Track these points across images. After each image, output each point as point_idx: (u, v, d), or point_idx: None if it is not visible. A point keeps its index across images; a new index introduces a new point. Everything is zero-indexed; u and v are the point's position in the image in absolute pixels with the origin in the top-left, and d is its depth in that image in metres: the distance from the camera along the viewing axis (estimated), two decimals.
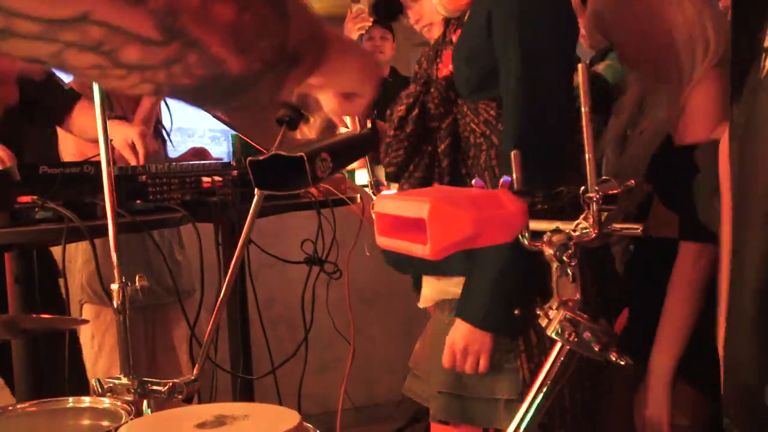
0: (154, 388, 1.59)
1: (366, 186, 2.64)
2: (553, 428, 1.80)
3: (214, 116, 3.05)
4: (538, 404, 1.04)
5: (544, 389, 1.04)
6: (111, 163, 1.69)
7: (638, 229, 1.04)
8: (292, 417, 1.26)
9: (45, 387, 1.98)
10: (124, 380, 1.60)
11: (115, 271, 1.64)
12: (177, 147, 3.54)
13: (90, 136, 2.63)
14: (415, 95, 1.90)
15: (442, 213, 0.94)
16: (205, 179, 2.34)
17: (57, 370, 1.99)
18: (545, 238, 1.04)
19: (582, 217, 1.05)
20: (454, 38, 1.92)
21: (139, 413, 1.53)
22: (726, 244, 1.34)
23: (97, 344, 2.89)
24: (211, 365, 2.30)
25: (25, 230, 1.98)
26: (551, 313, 1.03)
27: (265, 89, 0.74)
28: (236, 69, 0.68)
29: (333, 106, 1.04)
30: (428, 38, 2.09)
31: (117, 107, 2.92)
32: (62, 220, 1.94)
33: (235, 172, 2.41)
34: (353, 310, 2.72)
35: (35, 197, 1.97)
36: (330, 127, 1.72)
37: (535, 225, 1.06)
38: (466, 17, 1.91)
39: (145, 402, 1.56)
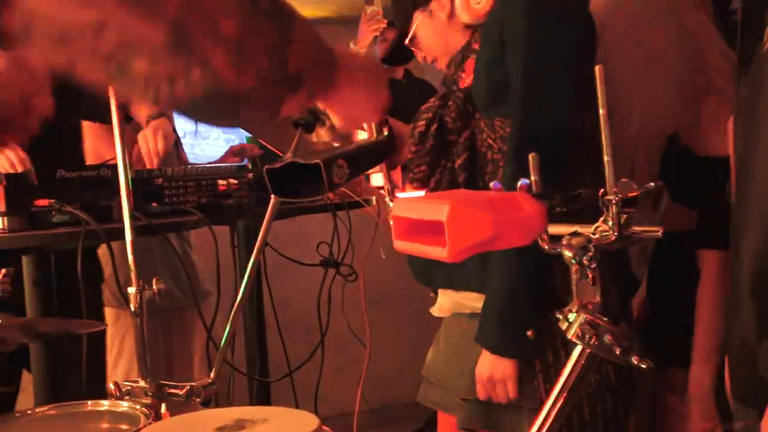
0: (172, 391, 1.59)
1: (381, 188, 2.65)
2: None
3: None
4: (558, 410, 1.03)
5: (564, 394, 1.03)
6: (128, 167, 1.69)
7: (658, 231, 1.03)
8: (311, 421, 1.26)
9: (65, 390, 1.99)
10: (142, 383, 1.60)
11: (132, 275, 1.64)
12: (191, 150, 3.55)
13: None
14: (433, 109, 1.89)
15: (461, 215, 0.94)
16: (221, 182, 2.34)
17: (77, 373, 2.00)
18: (564, 241, 1.04)
19: (601, 219, 1.04)
20: (477, 47, 1.91)
21: (157, 417, 1.53)
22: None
23: (117, 347, 2.90)
24: (227, 368, 2.30)
25: (42, 234, 1.99)
26: (571, 317, 1.02)
27: (261, 107, 0.75)
28: (234, 85, 0.69)
29: (338, 123, 1.06)
30: (440, 69, 2.12)
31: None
32: (79, 224, 1.95)
33: (250, 175, 2.41)
34: (369, 312, 2.72)
35: (52, 201, 1.98)
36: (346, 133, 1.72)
37: (553, 228, 1.05)
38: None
39: (163, 405, 1.57)
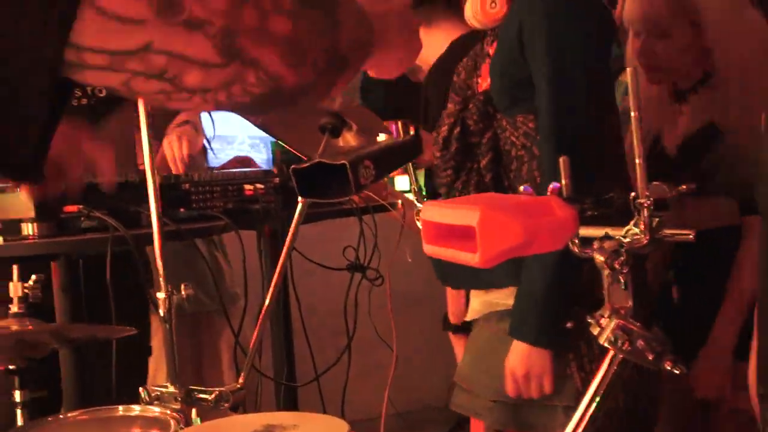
0: (201, 396, 1.60)
1: (407, 192, 2.64)
2: None
3: (254, 123, 3.06)
4: (591, 414, 1.02)
5: (597, 399, 1.02)
6: (155, 172, 1.70)
7: (690, 234, 1.02)
8: (341, 426, 1.25)
9: (95, 395, 2.00)
10: (171, 389, 1.61)
11: (161, 280, 1.65)
12: (217, 155, 3.55)
13: None
14: (455, 114, 1.90)
15: (492, 220, 0.93)
16: (248, 187, 2.35)
17: (113, 377, 2.01)
18: (596, 245, 1.03)
19: (632, 223, 1.03)
20: (491, 51, 1.92)
21: (188, 422, 1.54)
22: None
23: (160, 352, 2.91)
24: (254, 373, 2.30)
25: (70, 240, 2.00)
26: (603, 322, 1.02)
27: (316, 96, 0.75)
28: (292, 82, 0.69)
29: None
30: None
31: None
32: (107, 229, 1.96)
33: (277, 180, 2.42)
34: (395, 315, 2.71)
35: (81, 207, 1.99)
36: (371, 133, 1.72)
37: (583, 231, 1.05)
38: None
39: (194, 410, 1.57)
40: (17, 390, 1.69)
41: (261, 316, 1.74)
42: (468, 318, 2.03)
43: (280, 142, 3.02)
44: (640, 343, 1.00)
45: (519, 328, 1.77)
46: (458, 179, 1.89)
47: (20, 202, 1.96)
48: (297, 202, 1.77)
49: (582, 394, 1.69)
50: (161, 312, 1.62)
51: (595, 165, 1.67)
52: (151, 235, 1.68)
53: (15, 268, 1.79)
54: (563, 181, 1.05)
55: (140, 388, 1.63)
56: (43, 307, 1.96)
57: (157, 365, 2.84)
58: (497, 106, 1.85)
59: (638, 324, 1.01)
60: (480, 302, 1.95)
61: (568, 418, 1.76)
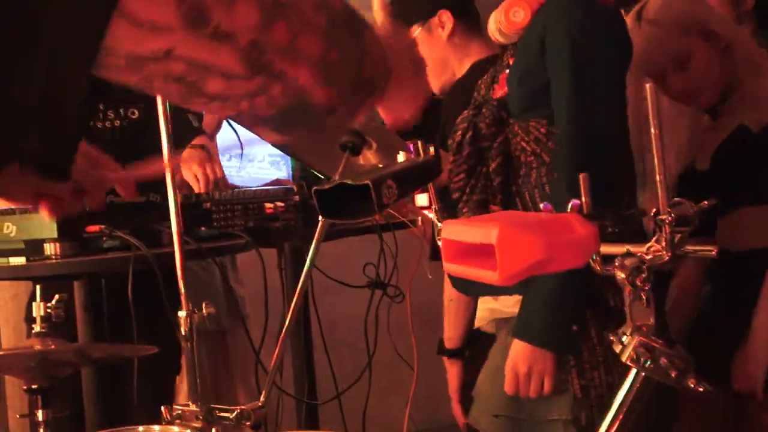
0: (222, 415, 1.60)
1: (425, 208, 2.64)
2: None
3: (272, 143, 3.07)
4: None
5: (620, 418, 1.01)
6: (177, 191, 1.71)
7: (712, 250, 1.02)
8: None
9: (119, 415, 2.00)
10: (192, 407, 1.61)
11: (182, 298, 1.65)
12: (237, 173, 3.57)
13: None
14: (468, 119, 1.91)
15: (511, 238, 0.93)
16: (268, 205, 2.36)
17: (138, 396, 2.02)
18: (617, 262, 1.02)
19: (654, 239, 1.03)
20: (511, 61, 1.93)
21: None
22: None
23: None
24: (275, 391, 2.30)
25: (93, 259, 2.01)
26: (625, 339, 1.01)
27: (340, 119, 0.75)
28: (318, 99, 0.69)
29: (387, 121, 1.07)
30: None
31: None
32: (129, 249, 1.97)
33: (297, 197, 2.42)
34: (415, 333, 2.70)
35: (103, 226, 2.01)
36: (393, 153, 1.73)
37: (603, 248, 1.04)
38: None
39: (213, 429, 1.57)
40: (40, 409, 1.70)
41: (282, 334, 1.74)
42: (476, 325, 2.04)
43: (299, 162, 3.04)
44: (663, 360, 0.99)
45: (524, 329, 1.78)
46: (469, 183, 1.90)
47: (43, 222, 1.98)
48: (318, 220, 1.78)
49: (581, 402, 1.70)
50: (182, 330, 1.63)
51: (612, 178, 1.67)
52: (172, 253, 1.69)
53: (38, 287, 1.80)
54: (583, 198, 1.05)
55: (162, 407, 1.63)
56: (66, 327, 1.98)
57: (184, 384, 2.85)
58: (511, 111, 1.86)
59: (661, 341, 1.00)
60: (485, 309, 1.96)
61: None
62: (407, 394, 2.64)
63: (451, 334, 2.42)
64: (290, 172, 3.55)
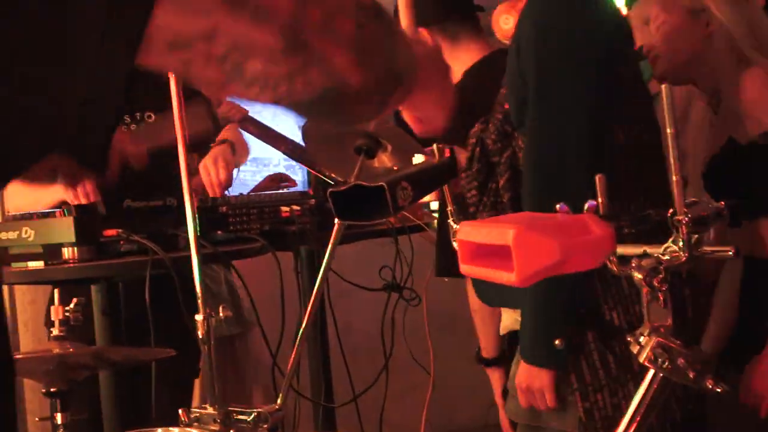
0: (240, 417, 1.60)
1: (435, 212, 2.64)
2: None
3: (284, 152, 3.07)
4: None
5: (637, 419, 1.01)
6: (193, 195, 1.72)
7: (730, 251, 1.01)
8: None
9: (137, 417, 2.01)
10: (210, 410, 1.62)
11: (199, 302, 1.66)
12: (253, 177, 3.58)
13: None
14: (477, 134, 1.91)
15: (527, 239, 0.93)
16: (284, 208, 2.36)
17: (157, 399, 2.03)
18: (634, 263, 1.02)
19: (671, 240, 1.02)
20: None
21: None
22: None
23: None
24: (291, 393, 2.30)
25: (110, 263, 2.02)
26: (642, 340, 1.01)
27: (370, 110, 0.76)
28: (355, 81, 0.70)
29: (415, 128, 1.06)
30: None
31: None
32: (146, 253, 1.98)
33: (313, 201, 2.43)
34: (432, 335, 2.70)
35: (120, 230, 2.02)
36: (407, 156, 1.73)
37: (620, 249, 1.04)
38: None
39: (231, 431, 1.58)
40: (59, 412, 1.71)
41: (299, 337, 1.75)
42: (501, 332, 2.04)
43: (310, 169, 3.04)
44: (680, 361, 0.99)
45: (520, 346, 1.80)
46: (482, 201, 1.89)
47: (61, 227, 1.99)
48: (333, 223, 1.78)
49: (585, 424, 1.70)
50: (199, 334, 1.63)
51: (581, 177, 1.63)
52: (188, 257, 1.69)
53: (56, 291, 1.82)
54: (599, 199, 1.05)
55: (180, 410, 1.64)
56: (84, 330, 1.99)
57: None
58: (513, 124, 1.85)
59: (678, 342, 1.00)
60: (508, 317, 1.96)
61: None
62: (424, 397, 2.64)
63: (484, 344, 2.42)
64: (306, 176, 3.55)
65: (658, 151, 1.80)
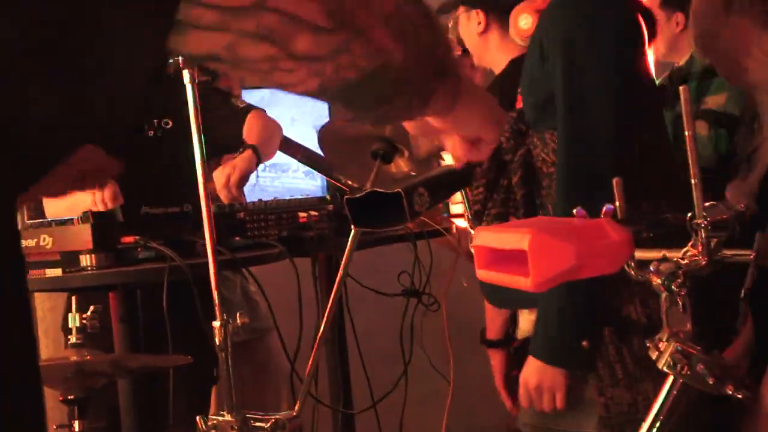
0: (257, 424, 1.60)
1: (459, 216, 2.63)
2: None
3: (299, 160, 3.07)
4: None
5: (657, 425, 1.00)
6: (210, 201, 1.72)
7: (750, 255, 1.00)
8: None
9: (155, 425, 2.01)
10: (228, 417, 1.61)
11: (216, 309, 1.65)
12: (272, 183, 3.58)
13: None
14: None
15: (543, 244, 0.92)
16: (302, 214, 2.36)
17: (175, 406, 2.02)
18: (652, 267, 1.01)
19: (690, 244, 1.01)
20: None
21: None
22: None
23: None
24: (309, 400, 2.30)
25: (128, 270, 2.02)
26: (662, 346, 0.99)
27: (416, 92, 0.75)
28: (398, 59, 0.69)
29: (459, 153, 0.99)
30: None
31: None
32: (164, 259, 1.98)
33: (330, 207, 2.43)
34: (451, 341, 2.69)
35: (137, 237, 2.02)
36: (424, 160, 1.72)
37: (639, 253, 1.03)
38: None
39: None
40: (76, 420, 1.71)
41: (316, 343, 1.74)
42: (519, 336, 2.02)
43: (326, 176, 3.04)
44: (699, 367, 0.97)
45: (534, 347, 1.77)
46: (491, 197, 1.88)
47: (79, 234, 1.99)
48: (351, 229, 1.77)
49: (604, 420, 1.67)
50: (216, 341, 1.63)
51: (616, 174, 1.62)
52: (206, 264, 1.69)
53: (73, 299, 1.82)
54: (617, 203, 1.04)
55: (197, 417, 1.64)
56: (102, 338, 1.99)
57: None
58: (528, 122, 1.84)
59: (698, 347, 0.98)
60: (525, 321, 1.95)
61: None
62: (443, 403, 2.62)
63: (492, 325, 2.40)
64: (324, 182, 3.55)
65: (660, 151, 1.81)
